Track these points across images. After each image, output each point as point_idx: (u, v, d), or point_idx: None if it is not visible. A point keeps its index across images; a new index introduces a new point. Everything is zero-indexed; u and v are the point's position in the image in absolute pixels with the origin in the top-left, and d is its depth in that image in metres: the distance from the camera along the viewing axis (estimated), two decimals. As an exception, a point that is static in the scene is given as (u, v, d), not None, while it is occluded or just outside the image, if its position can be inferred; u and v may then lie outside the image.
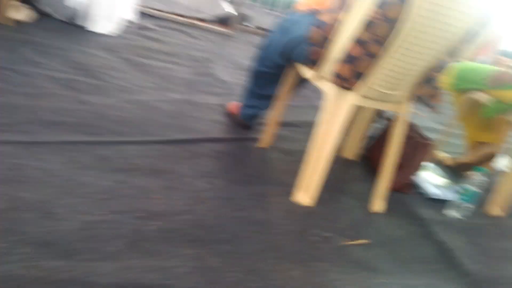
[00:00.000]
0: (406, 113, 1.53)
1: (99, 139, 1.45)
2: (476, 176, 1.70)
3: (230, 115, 1.99)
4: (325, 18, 1.38)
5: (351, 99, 1.38)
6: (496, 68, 1.96)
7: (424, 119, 3.15)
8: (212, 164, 1.53)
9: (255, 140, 1.83)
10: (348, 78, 1.34)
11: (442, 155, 2.36)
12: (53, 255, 0.93)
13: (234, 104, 1.99)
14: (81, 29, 2.50)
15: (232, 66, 2.88)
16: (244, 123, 1.91)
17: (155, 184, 1.30)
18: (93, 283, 0.89)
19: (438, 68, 1.42)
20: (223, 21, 3.88)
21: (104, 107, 1.69)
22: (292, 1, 4.60)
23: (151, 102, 1.88)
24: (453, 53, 1.43)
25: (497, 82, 1.89)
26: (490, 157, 2.12)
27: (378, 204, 1.57)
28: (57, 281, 0.88)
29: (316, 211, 1.43)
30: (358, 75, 1.33)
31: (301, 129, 2.13)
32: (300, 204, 1.44)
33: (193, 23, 3.60)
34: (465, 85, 2.06)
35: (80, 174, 1.24)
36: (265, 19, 4.40)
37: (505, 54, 2.84)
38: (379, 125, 2.08)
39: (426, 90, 1.48)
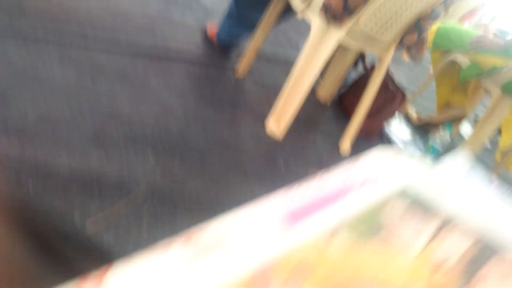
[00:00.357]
0: (388, 60, 1.50)
1: (65, 39, 1.33)
2: (439, 135, 1.74)
3: (208, 39, 1.89)
4: None
5: (336, 36, 1.33)
6: (478, 32, 1.96)
7: (398, 75, 3.17)
8: (184, 84, 1.46)
9: (231, 68, 1.76)
10: (337, 12, 1.28)
11: (411, 110, 2.39)
12: (4, 129, 0.87)
13: (213, 29, 1.88)
14: None
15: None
16: (222, 49, 1.82)
17: (121, 94, 1.23)
18: (45, 166, 0.85)
19: (429, 17, 1.38)
20: None
21: (73, 9, 1.54)
22: None
23: (125, 12, 1.74)
24: (447, 3, 1.39)
25: (477, 46, 1.89)
26: (456, 120, 2.17)
27: (345, 145, 1.58)
28: (5, 157, 0.82)
29: (284, 142, 1.42)
30: (348, 10, 1.27)
31: (278, 65, 2.07)
32: (270, 133, 1.42)
33: None
34: (446, 45, 2.06)
35: (41, 70, 1.14)
36: None
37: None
38: (355, 72, 2.06)
39: (413, 38, 1.45)
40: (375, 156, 0.37)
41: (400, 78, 3.18)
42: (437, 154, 1.76)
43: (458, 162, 0.45)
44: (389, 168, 0.34)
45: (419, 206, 0.32)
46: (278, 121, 1.42)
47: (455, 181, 0.38)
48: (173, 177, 1.00)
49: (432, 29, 2.11)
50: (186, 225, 0.87)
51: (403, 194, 0.32)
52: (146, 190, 0.92)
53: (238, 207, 1.00)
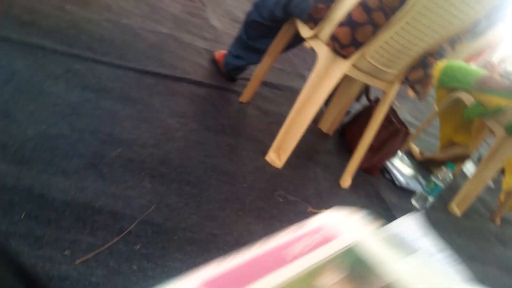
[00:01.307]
0: (393, 94, 1.50)
1: (73, 51, 1.34)
2: (442, 173, 1.72)
3: (215, 62, 1.90)
4: None
5: (342, 67, 1.33)
6: (484, 71, 1.96)
7: (402, 111, 3.17)
8: (187, 105, 1.46)
9: (235, 92, 1.76)
10: (345, 44, 1.28)
11: (413, 147, 2.38)
12: (2, 157, 0.85)
13: (220, 53, 1.90)
14: None
15: (225, 14, 2.75)
16: (227, 73, 1.82)
17: (124, 111, 1.22)
18: (40, 195, 0.82)
19: (436, 54, 1.38)
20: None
21: (85, 20, 1.56)
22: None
23: (135, 28, 1.76)
24: (454, 42, 1.40)
25: (482, 86, 1.89)
26: (459, 159, 2.15)
27: (345, 179, 1.55)
28: (1, 186, 0.80)
29: (284, 173, 1.39)
30: (356, 43, 1.27)
31: (282, 93, 2.07)
32: (270, 163, 1.40)
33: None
34: (452, 83, 2.06)
35: (45, 82, 1.14)
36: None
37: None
38: (359, 104, 2.06)
39: (418, 74, 1.44)
40: (324, 217, 0.34)
41: (404, 113, 3.19)
42: (439, 191, 1.74)
43: (411, 226, 0.43)
44: (334, 230, 0.32)
45: (360, 270, 0.29)
46: (279, 151, 1.40)
47: (403, 245, 0.35)
48: (168, 212, 0.97)
49: (439, 67, 2.11)
50: (178, 267, 0.84)
51: (345, 256, 0.30)
52: (140, 228, 0.88)
53: (233, 247, 0.96)
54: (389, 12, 1.20)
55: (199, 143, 1.29)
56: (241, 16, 2.89)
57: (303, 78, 2.47)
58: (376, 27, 1.23)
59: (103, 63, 1.38)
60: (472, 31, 1.36)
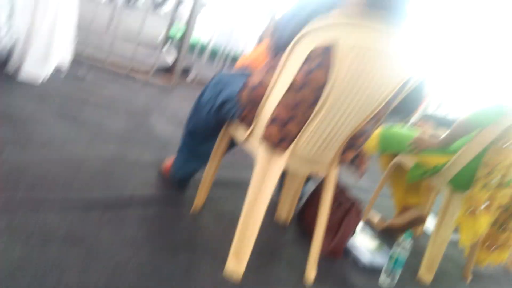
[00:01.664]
0: (334, 176, 1.56)
1: (16, 196, 1.33)
2: (404, 240, 1.75)
3: (163, 173, 1.93)
4: (255, 80, 1.41)
5: (280, 162, 1.39)
6: (416, 134, 2.09)
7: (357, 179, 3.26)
8: (138, 230, 1.45)
9: (186, 203, 1.77)
10: (276, 141, 1.36)
11: (373, 216, 2.42)
12: None
13: (168, 162, 1.94)
14: (5, 75, 2.35)
15: (170, 119, 2.84)
16: (176, 184, 1.85)
17: (71, 255, 1.19)
18: None
19: (363, 133, 1.48)
20: (163, 72, 3.87)
21: (23, 163, 1.56)
22: (233, 55, 4.70)
23: (78, 158, 1.78)
24: (376, 118, 1.51)
25: (415, 147, 2.01)
26: (418, 221, 2.21)
27: (310, 273, 1.55)
28: None
29: (247, 282, 1.37)
30: (285, 139, 1.35)
31: (236, 188, 2.10)
32: (230, 273, 1.38)
33: (130, 74, 3.54)
34: (391, 148, 2.19)
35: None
36: (206, 71, 4.45)
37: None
38: (312, 186, 2.11)
39: (351, 155, 1.53)
40: None
41: (363, 180, 3.27)
42: (403, 261, 1.75)
43: None
44: None
45: None
46: (238, 257, 1.40)
47: None
48: None
49: (375, 135, 2.25)
50: None
51: None
52: None
53: None
54: (308, 105, 1.29)
55: (154, 269, 1.27)
56: (185, 116, 2.98)
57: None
58: (300, 121, 1.32)
59: (46, 204, 1.37)
60: (391, 110, 1.48)
